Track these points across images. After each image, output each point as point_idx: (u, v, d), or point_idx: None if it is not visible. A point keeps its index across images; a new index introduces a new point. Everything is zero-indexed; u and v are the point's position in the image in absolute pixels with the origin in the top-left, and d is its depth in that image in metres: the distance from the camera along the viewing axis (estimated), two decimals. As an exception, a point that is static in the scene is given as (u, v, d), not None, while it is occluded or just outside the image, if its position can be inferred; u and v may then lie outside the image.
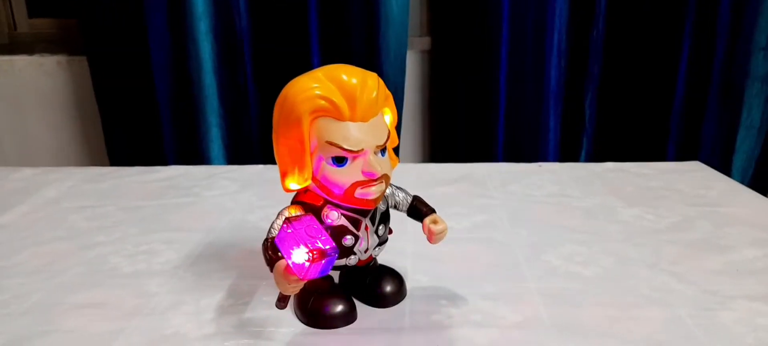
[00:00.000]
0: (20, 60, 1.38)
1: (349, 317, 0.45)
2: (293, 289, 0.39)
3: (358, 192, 0.41)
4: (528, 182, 0.79)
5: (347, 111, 0.39)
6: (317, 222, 0.40)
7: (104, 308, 0.48)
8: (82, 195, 0.75)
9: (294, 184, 0.42)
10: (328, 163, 0.41)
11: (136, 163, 0.89)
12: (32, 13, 1.45)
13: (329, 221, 0.42)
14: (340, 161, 0.40)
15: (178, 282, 0.52)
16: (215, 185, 0.78)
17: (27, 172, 0.84)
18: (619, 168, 0.85)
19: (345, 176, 0.40)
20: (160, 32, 1.24)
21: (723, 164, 1.32)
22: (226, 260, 0.57)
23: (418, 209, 0.46)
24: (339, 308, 0.45)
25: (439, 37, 1.32)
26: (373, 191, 0.41)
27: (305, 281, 0.38)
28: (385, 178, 0.42)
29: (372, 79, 0.41)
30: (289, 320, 0.46)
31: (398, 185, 0.47)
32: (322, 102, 0.39)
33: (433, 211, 0.46)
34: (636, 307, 0.47)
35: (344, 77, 0.40)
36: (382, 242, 0.46)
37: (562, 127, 1.33)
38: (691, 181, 0.79)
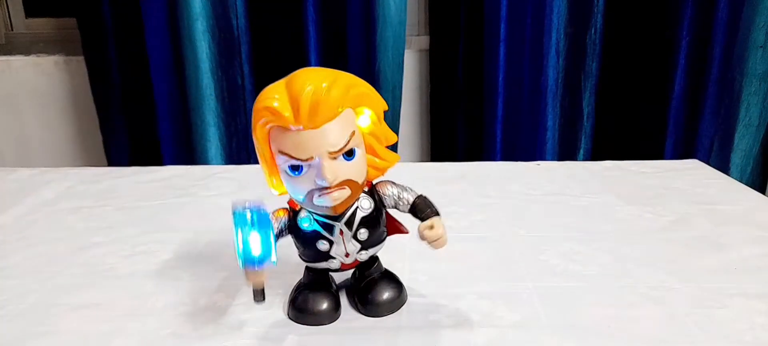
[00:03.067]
0: (17, 60, 1.38)
1: (331, 315, 0.45)
2: (254, 279, 0.39)
3: (316, 199, 0.40)
4: (526, 181, 0.79)
5: (292, 119, 0.38)
6: (260, 205, 0.40)
7: (101, 309, 0.48)
8: (79, 196, 0.75)
9: (274, 190, 0.43)
10: (287, 171, 0.40)
11: (133, 164, 0.89)
12: (29, 13, 1.45)
13: (304, 226, 0.42)
14: (295, 169, 0.40)
15: (176, 283, 0.52)
16: (212, 185, 0.78)
17: (24, 172, 0.84)
18: (618, 167, 0.85)
19: (301, 184, 0.40)
20: (158, 32, 1.24)
21: (721, 162, 1.33)
22: (223, 260, 0.56)
23: (418, 211, 0.44)
24: (321, 305, 0.45)
25: (437, 36, 1.32)
26: (331, 199, 0.40)
27: (254, 273, 0.39)
28: (349, 183, 0.40)
29: (327, 81, 0.39)
30: (287, 320, 0.46)
31: (403, 185, 0.45)
32: (268, 113, 0.39)
33: (435, 214, 0.43)
34: (634, 305, 0.47)
35: (297, 84, 0.38)
36: (369, 245, 0.45)
37: (560, 126, 1.33)
38: (689, 179, 0.79)
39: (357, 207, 0.43)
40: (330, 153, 0.39)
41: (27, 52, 1.39)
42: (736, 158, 1.33)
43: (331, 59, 1.28)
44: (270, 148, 0.40)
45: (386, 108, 0.43)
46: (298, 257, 0.46)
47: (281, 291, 0.49)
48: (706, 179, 0.79)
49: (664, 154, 1.31)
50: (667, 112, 1.28)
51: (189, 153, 1.33)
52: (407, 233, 0.46)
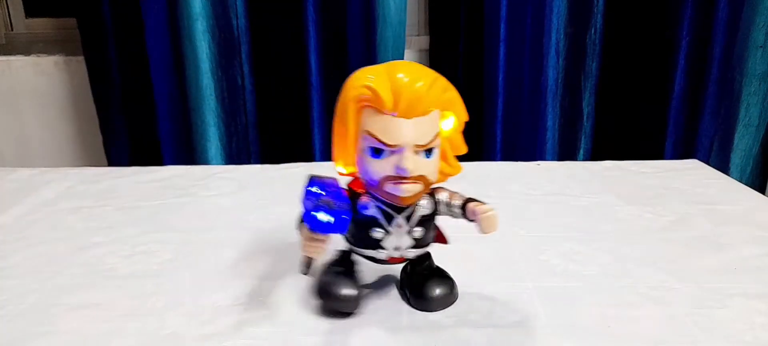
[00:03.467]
0: (17, 60, 1.38)
1: (356, 303, 0.46)
2: (311, 249, 0.40)
3: (388, 186, 0.41)
4: (526, 181, 0.79)
5: (390, 104, 0.40)
6: (337, 184, 0.41)
7: (101, 309, 0.47)
8: (79, 196, 0.75)
9: (341, 167, 0.44)
10: (366, 152, 0.41)
11: (133, 164, 0.89)
12: (29, 13, 1.45)
13: (364, 209, 0.43)
14: (377, 152, 0.41)
15: (175, 283, 0.52)
16: (212, 185, 0.78)
17: (24, 172, 0.83)
18: (618, 167, 0.85)
19: (377, 168, 0.41)
20: (158, 32, 1.24)
21: (721, 162, 1.33)
22: (223, 260, 0.56)
23: (469, 202, 0.44)
24: (342, 291, 0.45)
25: (437, 36, 1.32)
26: (404, 189, 0.41)
27: (322, 241, 0.39)
28: (423, 180, 0.41)
29: (428, 78, 0.41)
30: (287, 320, 0.46)
31: (452, 190, 0.45)
32: (367, 92, 0.40)
33: (469, 199, 0.44)
34: (634, 305, 0.47)
35: (399, 73, 0.40)
36: (420, 245, 0.45)
37: (560, 126, 1.33)
38: (689, 179, 0.79)
39: (418, 205, 0.44)
40: (415, 146, 0.40)
41: (27, 52, 1.39)
42: (736, 158, 1.33)
43: (331, 59, 1.28)
44: (352, 126, 0.42)
45: (467, 119, 0.44)
46: (345, 240, 0.46)
47: (281, 293, 0.49)
48: (706, 179, 0.79)
49: (664, 155, 1.31)
50: (667, 112, 1.28)
51: (189, 153, 1.33)
52: (447, 243, 0.47)
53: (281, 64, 1.27)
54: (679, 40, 1.23)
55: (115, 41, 1.25)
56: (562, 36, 1.27)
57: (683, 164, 0.86)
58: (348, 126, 0.42)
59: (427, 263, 0.48)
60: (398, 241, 0.44)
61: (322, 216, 0.39)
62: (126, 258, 0.57)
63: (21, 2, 1.44)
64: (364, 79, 0.41)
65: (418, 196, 0.43)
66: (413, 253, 0.45)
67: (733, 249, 0.57)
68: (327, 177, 0.42)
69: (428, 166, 0.41)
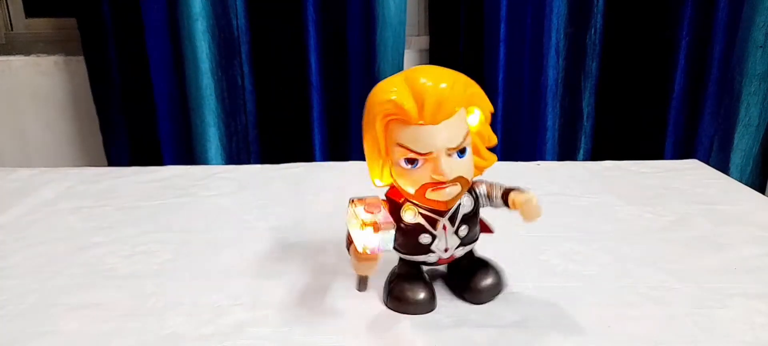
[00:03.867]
0: (17, 60, 1.38)
1: (429, 304, 0.46)
2: (364, 268, 0.41)
3: (429, 193, 0.41)
4: (526, 181, 0.78)
5: (415, 114, 0.40)
6: (378, 201, 0.41)
7: (101, 309, 0.47)
8: (79, 196, 0.75)
9: (378, 180, 0.44)
10: (401, 163, 0.42)
11: (133, 164, 0.89)
12: (29, 13, 1.45)
13: (407, 218, 0.43)
14: (411, 162, 0.41)
15: (175, 283, 0.52)
16: (212, 185, 0.78)
17: (24, 172, 0.83)
18: (618, 167, 0.85)
19: (414, 177, 0.41)
20: (158, 32, 1.24)
21: (721, 162, 1.33)
22: (223, 260, 0.56)
23: (509, 192, 0.45)
24: (419, 295, 0.46)
25: (437, 36, 1.32)
26: (445, 194, 0.41)
27: (373, 259, 0.40)
28: (461, 180, 0.42)
29: (448, 80, 0.41)
30: (287, 320, 0.46)
31: (491, 181, 0.46)
32: (391, 107, 0.40)
33: (509, 188, 0.45)
34: (634, 305, 0.47)
35: (420, 80, 0.40)
36: (467, 242, 0.46)
37: (560, 126, 1.33)
38: (689, 179, 0.79)
39: (460, 204, 0.44)
40: (448, 149, 0.41)
41: (27, 52, 1.39)
42: (736, 158, 1.33)
43: (331, 59, 1.28)
44: (381, 141, 0.42)
45: (492, 110, 0.45)
46: (393, 249, 0.46)
47: (281, 293, 0.49)
48: (706, 179, 0.79)
49: (664, 155, 1.31)
50: (667, 112, 1.28)
51: (189, 153, 1.33)
52: (493, 232, 0.48)
53: (281, 64, 1.27)
54: (679, 40, 1.23)
55: (115, 41, 1.25)
56: (562, 36, 1.27)
57: (683, 164, 0.86)
58: (378, 142, 0.42)
59: (470, 255, 0.49)
60: (446, 243, 0.45)
61: (369, 236, 0.39)
62: (126, 258, 0.57)
63: (21, 2, 1.44)
64: (386, 94, 0.41)
65: (458, 197, 0.43)
66: (462, 251, 0.46)
67: (733, 249, 0.57)
68: (368, 197, 0.42)
69: (464, 166, 0.42)
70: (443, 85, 0.40)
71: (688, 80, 1.27)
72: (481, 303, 0.47)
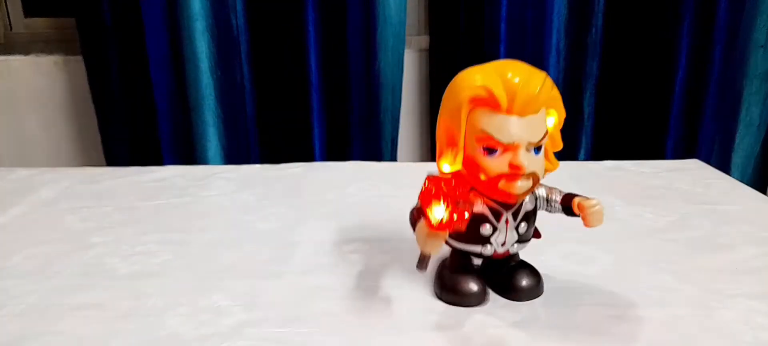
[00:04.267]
0: (16, 60, 1.38)
1: (481, 296, 0.47)
2: (432, 246, 0.41)
3: (502, 184, 0.42)
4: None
5: (505, 104, 0.41)
6: (457, 180, 0.41)
7: (100, 310, 0.47)
8: (77, 196, 0.75)
9: (446, 166, 0.44)
10: (479, 151, 0.42)
11: (132, 164, 0.89)
12: (28, 13, 1.45)
13: (474, 207, 0.44)
14: (490, 152, 0.42)
15: (175, 283, 0.52)
16: (212, 184, 0.78)
17: (22, 172, 0.83)
18: (618, 166, 0.85)
19: (492, 166, 0.42)
20: (157, 31, 1.24)
21: (722, 162, 1.33)
22: (222, 260, 0.56)
23: (569, 200, 0.46)
24: (473, 287, 0.46)
25: (437, 36, 1.32)
26: (518, 186, 0.42)
27: (442, 235, 0.40)
28: (534, 176, 0.42)
29: (538, 77, 0.42)
30: (287, 320, 0.46)
31: (553, 188, 0.47)
32: (482, 92, 0.41)
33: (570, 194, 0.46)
34: (635, 306, 0.47)
35: (510, 72, 0.41)
36: (523, 240, 0.46)
37: (560, 125, 1.33)
38: (690, 179, 0.79)
39: (523, 201, 0.45)
40: (530, 143, 0.42)
41: (26, 51, 1.39)
42: (737, 158, 1.33)
43: (331, 59, 1.28)
44: (463, 125, 0.42)
45: (565, 116, 0.45)
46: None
47: (281, 293, 0.49)
48: (707, 179, 0.79)
49: (665, 154, 1.31)
50: (668, 112, 1.28)
51: (188, 153, 1.33)
52: (540, 238, 0.48)
53: (281, 64, 1.27)
54: (679, 39, 1.23)
55: (115, 41, 1.25)
56: (562, 36, 1.26)
57: (684, 164, 0.86)
58: (460, 125, 0.42)
59: (513, 255, 0.49)
60: (505, 237, 0.45)
61: (442, 211, 0.40)
62: (125, 258, 0.57)
63: (20, 2, 1.44)
64: (477, 80, 0.42)
65: (528, 192, 0.44)
66: (517, 247, 0.47)
67: (734, 249, 0.57)
68: (443, 175, 0.43)
69: (538, 163, 0.43)
70: (536, 81, 0.41)
71: (689, 80, 1.27)
72: (520, 301, 0.48)
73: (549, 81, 0.43)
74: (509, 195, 0.43)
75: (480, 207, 0.44)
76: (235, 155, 1.33)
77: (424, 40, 1.37)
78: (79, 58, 1.30)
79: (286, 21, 1.24)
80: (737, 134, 1.31)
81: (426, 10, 1.37)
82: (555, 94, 0.44)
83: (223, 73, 1.28)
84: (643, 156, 0.90)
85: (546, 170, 0.46)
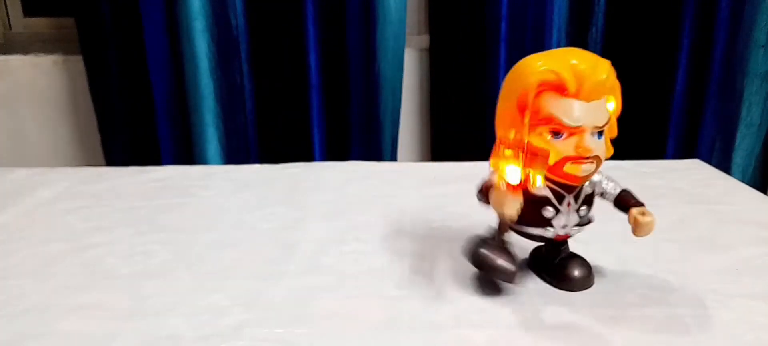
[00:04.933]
0: (15, 60, 1.38)
1: (510, 275, 0.47)
2: (509, 204, 0.43)
3: (567, 167, 0.43)
4: (527, 181, 0.78)
5: (573, 88, 0.42)
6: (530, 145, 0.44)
7: (100, 310, 0.47)
8: (77, 196, 0.75)
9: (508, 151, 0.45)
10: (545, 134, 0.43)
11: (132, 164, 0.89)
12: (27, 12, 1.45)
13: (536, 189, 0.45)
14: (556, 135, 0.43)
15: (175, 283, 0.52)
16: (212, 185, 0.78)
17: (22, 172, 0.83)
18: (618, 166, 0.84)
19: (558, 149, 0.43)
20: (156, 31, 1.24)
21: (723, 162, 1.32)
22: (223, 260, 0.56)
23: (625, 201, 0.47)
24: (510, 265, 0.47)
25: (437, 35, 1.32)
26: (583, 169, 0.43)
27: (519, 198, 0.43)
28: (597, 160, 0.44)
29: (604, 64, 0.43)
30: (287, 320, 0.46)
31: (609, 176, 0.48)
32: (552, 76, 0.42)
33: (641, 204, 0.46)
34: (634, 306, 0.47)
35: (576, 58, 0.43)
36: (583, 223, 0.48)
37: (560, 125, 1.33)
38: (690, 179, 0.79)
39: (584, 185, 0.46)
40: (595, 127, 0.43)
41: (25, 51, 1.39)
42: (738, 158, 1.33)
43: (331, 59, 1.28)
44: (529, 107, 0.43)
45: (621, 105, 0.47)
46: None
47: (281, 293, 0.49)
48: (708, 179, 0.79)
49: (665, 154, 1.30)
50: (669, 112, 1.28)
51: (188, 153, 1.33)
52: (591, 221, 0.49)
53: (281, 64, 1.27)
54: (680, 39, 1.23)
55: (114, 41, 1.25)
56: (563, 35, 1.26)
57: (684, 164, 0.86)
58: (526, 107, 0.43)
59: (564, 245, 0.50)
60: (566, 219, 0.46)
61: (517, 172, 0.43)
62: (125, 258, 0.57)
63: (19, 1, 1.44)
64: (545, 64, 0.43)
65: (591, 175, 0.45)
66: (577, 230, 0.48)
67: (735, 249, 0.57)
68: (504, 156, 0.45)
69: (601, 147, 0.44)
70: (603, 67, 0.43)
71: (690, 80, 1.26)
72: (570, 291, 0.49)
73: (613, 70, 0.44)
74: (575, 177, 0.44)
75: (543, 190, 0.45)
76: (234, 155, 1.33)
77: (424, 40, 1.37)
78: (79, 57, 1.30)
79: (285, 20, 1.24)
80: (738, 134, 1.30)
81: (426, 10, 1.37)
82: (616, 83, 0.46)
83: (222, 72, 1.28)
84: (643, 156, 0.90)
85: (605, 157, 0.46)
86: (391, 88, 1.30)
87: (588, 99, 0.43)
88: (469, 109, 1.31)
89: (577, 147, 0.43)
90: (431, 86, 1.37)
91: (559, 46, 1.26)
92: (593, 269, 0.50)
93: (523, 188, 0.44)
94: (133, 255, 0.57)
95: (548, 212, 0.46)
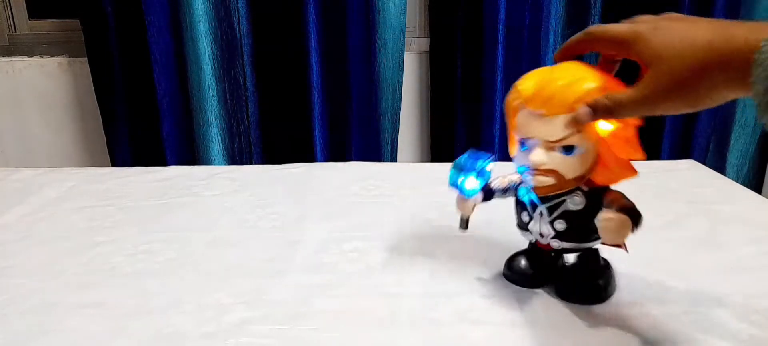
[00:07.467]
0: (21, 62, 1.39)
1: (524, 278, 0.50)
2: (459, 207, 0.49)
3: (525, 176, 0.45)
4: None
5: (523, 98, 0.43)
6: (481, 156, 0.47)
7: (104, 308, 0.48)
8: (82, 195, 0.75)
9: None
10: (517, 144, 0.46)
11: (136, 164, 0.90)
12: (32, 14, 1.45)
13: (520, 194, 0.48)
14: (522, 144, 0.45)
15: (178, 281, 0.52)
16: (215, 185, 0.79)
17: (27, 173, 0.84)
18: (616, 167, 0.85)
19: (521, 159, 0.45)
20: (161, 33, 1.24)
21: (717, 163, 1.33)
22: (225, 259, 0.57)
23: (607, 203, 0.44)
24: (521, 264, 0.50)
25: (436, 38, 1.32)
26: (536, 180, 0.44)
27: (464, 201, 0.48)
28: (555, 174, 0.44)
29: (569, 78, 0.42)
30: (288, 318, 0.46)
31: (624, 195, 0.45)
32: (515, 91, 0.44)
33: (626, 212, 0.42)
34: (633, 305, 0.48)
35: (555, 71, 0.43)
36: (567, 239, 0.46)
37: (559, 126, 1.33)
38: (685, 179, 0.79)
39: (566, 199, 0.45)
40: (547, 141, 0.43)
41: (30, 53, 1.40)
42: (733, 158, 1.33)
43: (332, 61, 1.28)
44: (511, 120, 0.46)
45: (639, 124, 0.44)
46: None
47: (283, 291, 0.50)
48: (703, 179, 0.79)
49: (660, 155, 1.31)
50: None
51: (191, 154, 1.34)
52: (627, 251, 0.46)
53: (282, 66, 1.27)
54: (677, 41, 1.23)
55: (119, 42, 1.26)
56: (559, 38, 1.27)
57: (680, 164, 0.86)
58: (510, 123, 0.46)
59: (585, 257, 0.49)
60: (541, 228, 0.47)
61: (468, 182, 0.47)
62: (129, 257, 0.57)
63: (24, 4, 1.45)
64: (522, 82, 0.44)
65: (553, 189, 0.45)
66: (557, 244, 0.47)
67: (730, 249, 0.58)
68: (483, 152, 0.48)
69: (563, 163, 0.43)
70: (562, 82, 0.41)
71: (687, 81, 1.27)
72: (567, 301, 0.48)
73: (587, 81, 0.41)
74: (536, 187, 0.45)
75: (524, 195, 0.47)
76: (237, 156, 1.34)
77: (423, 43, 1.37)
78: (84, 59, 1.31)
79: (287, 23, 1.25)
80: (733, 135, 1.31)
81: (426, 13, 1.38)
82: (607, 102, 0.40)
83: (225, 74, 1.29)
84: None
85: (611, 178, 0.46)
86: (391, 90, 1.30)
87: (548, 113, 0.42)
88: (468, 110, 1.32)
89: (530, 158, 0.44)
90: (431, 88, 1.37)
91: (555, 49, 1.27)
92: (599, 285, 0.48)
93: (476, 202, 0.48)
94: (138, 254, 0.58)
95: (524, 216, 0.48)
